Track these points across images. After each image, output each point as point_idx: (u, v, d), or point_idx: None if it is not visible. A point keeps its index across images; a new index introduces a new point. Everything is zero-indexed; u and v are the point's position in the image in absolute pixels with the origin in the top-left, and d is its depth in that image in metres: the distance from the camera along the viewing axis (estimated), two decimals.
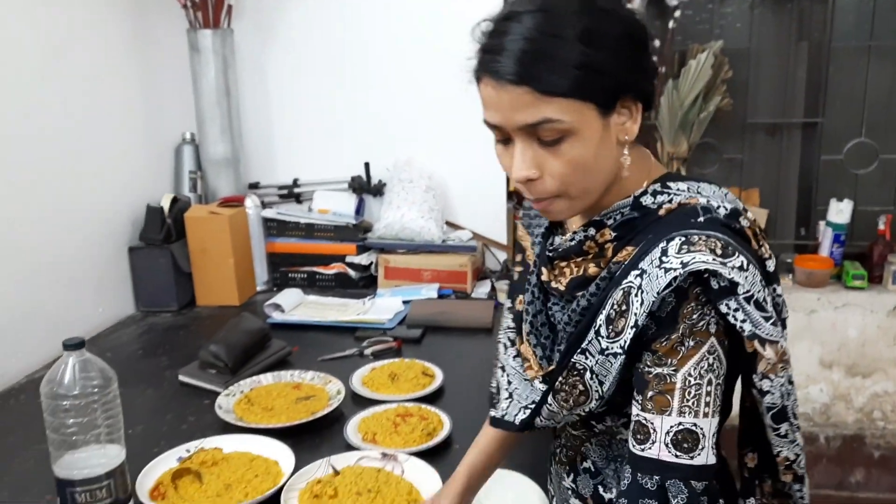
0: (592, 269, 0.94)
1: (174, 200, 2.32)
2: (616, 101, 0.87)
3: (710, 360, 0.83)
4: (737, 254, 0.82)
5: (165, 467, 1.35)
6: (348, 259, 2.46)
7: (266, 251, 2.47)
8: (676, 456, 0.83)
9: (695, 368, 0.83)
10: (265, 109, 2.64)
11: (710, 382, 0.83)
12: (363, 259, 2.46)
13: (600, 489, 1.06)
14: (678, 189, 0.92)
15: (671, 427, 0.83)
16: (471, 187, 2.58)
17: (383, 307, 2.21)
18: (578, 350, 0.91)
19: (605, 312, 0.88)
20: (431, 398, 1.64)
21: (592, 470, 1.07)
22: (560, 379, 0.94)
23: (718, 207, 0.88)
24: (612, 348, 0.87)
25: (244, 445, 1.43)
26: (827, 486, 2.80)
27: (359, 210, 2.58)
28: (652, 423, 0.85)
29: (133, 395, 1.28)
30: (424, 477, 1.31)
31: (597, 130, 0.86)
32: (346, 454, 1.38)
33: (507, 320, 1.13)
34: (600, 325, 0.89)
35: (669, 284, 0.81)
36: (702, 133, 2.69)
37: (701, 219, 0.87)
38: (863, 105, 2.78)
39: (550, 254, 1.00)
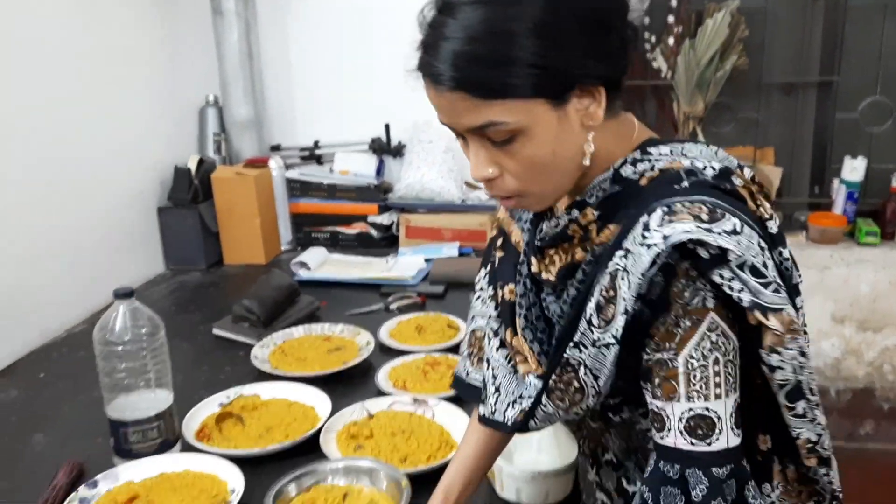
0: (580, 254, 0.86)
1: (200, 162, 2.37)
2: (571, 91, 0.78)
3: (713, 338, 0.76)
4: (727, 216, 0.74)
5: (208, 412, 1.42)
6: (370, 219, 2.51)
7: (290, 211, 2.53)
8: (692, 444, 0.76)
9: (696, 350, 0.76)
10: (286, 72, 2.68)
11: (716, 361, 0.76)
12: (384, 219, 2.51)
13: (624, 482, 1.00)
14: (659, 154, 0.84)
15: (682, 413, 0.77)
16: None
17: (406, 265, 2.27)
18: (571, 344, 0.82)
19: (594, 300, 0.79)
20: (457, 349, 1.69)
21: (614, 462, 1.01)
22: (554, 377, 0.86)
23: (705, 168, 0.80)
24: (603, 339, 0.79)
25: (281, 392, 1.49)
26: (837, 438, 2.85)
27: (379, 171, 2.62)
28: (664, 411, 0.78)
29: (169, 347, 1.35)
30: (454, 420, 1.37)
31: (551, 124, 0.78)
32: (379, 399, 1.45)
33: (489, 308, 1.03)
34: (591, 315, 0.80)
35: (654, 262, 0.73)
36: (717, 92, 2.70)
37: (685, 183, 0.79)
38: (878, 63, 2.79)
39: (539, 242, 0.92)
